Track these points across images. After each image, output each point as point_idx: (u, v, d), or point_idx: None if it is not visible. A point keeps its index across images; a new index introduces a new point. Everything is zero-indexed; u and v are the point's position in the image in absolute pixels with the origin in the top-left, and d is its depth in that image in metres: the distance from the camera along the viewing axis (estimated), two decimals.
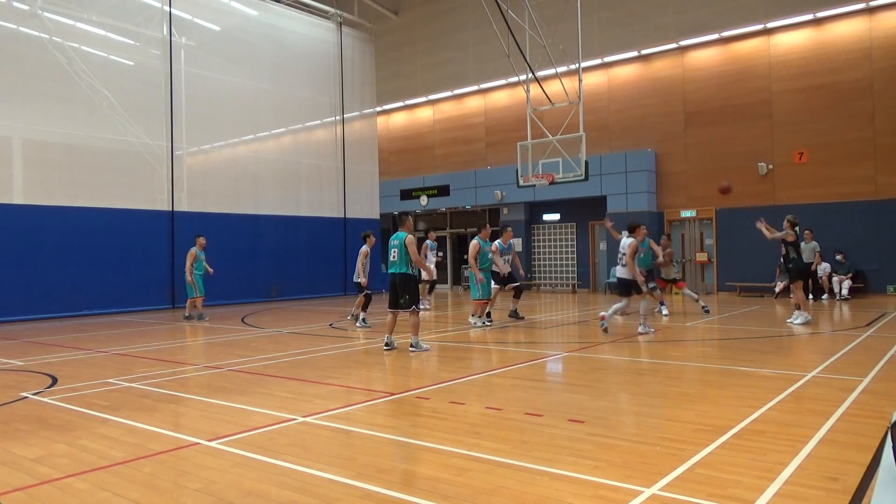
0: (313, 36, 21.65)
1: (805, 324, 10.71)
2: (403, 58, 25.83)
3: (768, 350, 8.46)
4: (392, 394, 6.07)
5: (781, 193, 18.26)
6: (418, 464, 3.99)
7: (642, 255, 11.89)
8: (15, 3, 15.00)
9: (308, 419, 5.10)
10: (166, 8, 17.39)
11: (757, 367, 7.12)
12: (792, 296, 11.57)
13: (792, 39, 18.23)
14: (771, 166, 18.39)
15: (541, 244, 23.26)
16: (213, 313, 15.05)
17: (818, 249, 16.27)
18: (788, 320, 11.12)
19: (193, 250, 13.86)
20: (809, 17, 17.74)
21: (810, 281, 15.73)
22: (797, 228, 11.25)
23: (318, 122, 21.82)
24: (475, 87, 24.31)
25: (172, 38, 17.50)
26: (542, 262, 23.23)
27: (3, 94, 14.64)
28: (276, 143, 20.80)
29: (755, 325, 11.18)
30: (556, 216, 22.82)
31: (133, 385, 6.72)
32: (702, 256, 19.76)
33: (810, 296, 16.94)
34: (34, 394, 6.32)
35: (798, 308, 11.11)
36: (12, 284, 14.31)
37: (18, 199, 14.75)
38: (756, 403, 5.28)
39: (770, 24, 18.29)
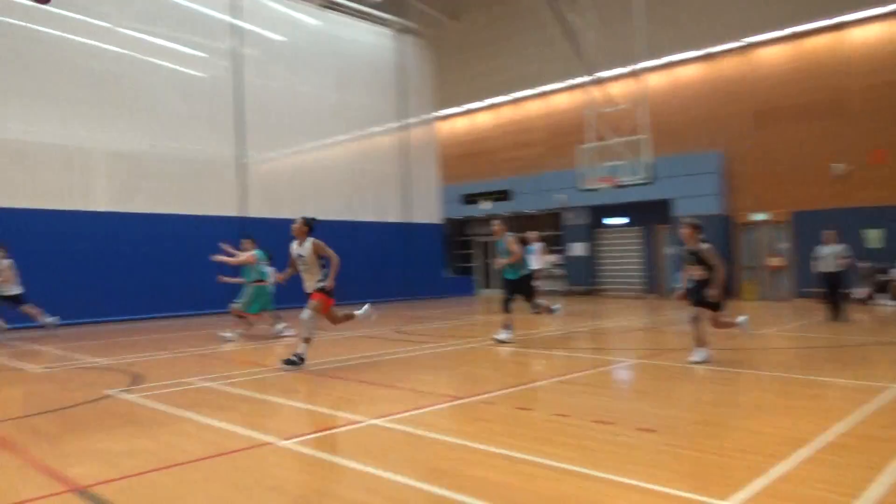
0: (373, 44, 22.05)
1: (703, 362, 7.60)
2: (462, 63, 25.93)
3: (846, 360, 8.08)
4: (458, 398, 6.11)
5: (859, 195, 17.33)
6: (485, 469, 4.01)
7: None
8: (95, 21, 15.83)
9: (376, 422, 5.19)
10: (235, 21, 18.09)
11: (836, 377, 6.80)
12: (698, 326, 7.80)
13: (868, 33, 17.34)
14: (847, 166, 17.53)
15: (605, 249, 22.84)
16: (286, 316, 15.44)
17: (847, 254, 12.50)
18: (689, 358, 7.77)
19: None
20: (889, 9, 16.82)
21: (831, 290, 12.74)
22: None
23: (380, 128, 22.17)
24: (535, 91, 24.17)
25: (240, 50, 18.15)
26: (606, 268, 22.82)
27: (90, 110, 15.49)
28: (339, 149, 21.21)
29: (832, 334, 10.68)
30: (622, 220, 22.36)
31: (212, 385, 6.98)
32: (775, 261, 18.97)
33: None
34: (119, 391, 6.66)
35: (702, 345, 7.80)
36: (97, 287, 15.09)
37: (101, 207, 15.61)
38: (839, 415, 5.05)
39: (843, 18, 17.43)
